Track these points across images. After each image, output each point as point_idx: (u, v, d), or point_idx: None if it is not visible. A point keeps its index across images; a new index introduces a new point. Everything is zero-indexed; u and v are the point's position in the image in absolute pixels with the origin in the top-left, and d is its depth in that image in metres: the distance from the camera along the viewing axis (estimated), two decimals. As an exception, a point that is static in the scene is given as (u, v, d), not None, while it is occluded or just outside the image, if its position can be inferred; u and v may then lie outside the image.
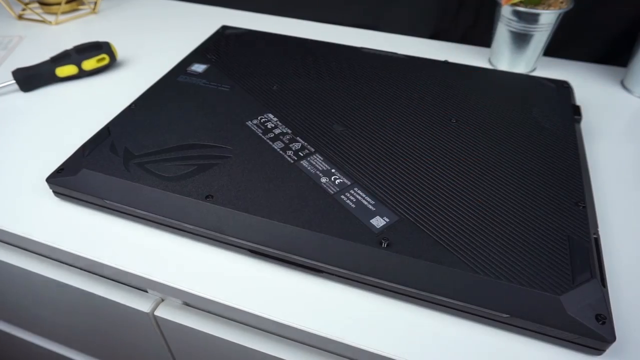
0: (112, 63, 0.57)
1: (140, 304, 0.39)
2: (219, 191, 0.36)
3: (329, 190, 0.36)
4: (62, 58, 0.54)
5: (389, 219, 0.34)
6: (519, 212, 0.35)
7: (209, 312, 0.38)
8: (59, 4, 0.69)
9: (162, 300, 0.40)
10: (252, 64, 0.52)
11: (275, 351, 0.36)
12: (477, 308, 0.29)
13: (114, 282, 0.41)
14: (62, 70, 0.53)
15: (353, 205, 0.35)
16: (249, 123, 0.43)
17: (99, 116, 0.50)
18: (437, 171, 0.38)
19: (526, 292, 0.29)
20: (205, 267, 0.34)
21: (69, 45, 0.62)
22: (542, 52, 0.56)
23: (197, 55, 0.54)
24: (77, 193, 0.37)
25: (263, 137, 0.41)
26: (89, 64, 0.54)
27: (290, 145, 0.40)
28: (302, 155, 0.39)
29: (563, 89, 0.48)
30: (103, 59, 0.55)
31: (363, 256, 0.32)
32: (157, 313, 0.39)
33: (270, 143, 0.40)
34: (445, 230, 0.33)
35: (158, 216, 0.35)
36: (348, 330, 0.30)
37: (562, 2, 0.53)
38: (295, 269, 0.34)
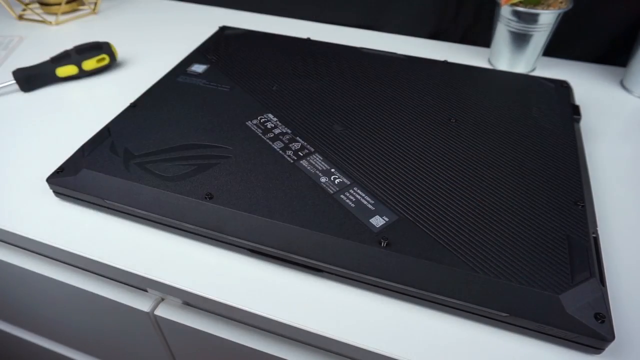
0: (112, 63, 0.57)
1: (140, 303, 0.40)
2: (219, 191, 0.36)
3: (329, 189, 0.36)
4: (62, 58, 0.54)
5: (388, 218, 0.34)
6: (518, 211, 0.35)
7: (208, 311, 0.38)
8: (59, 4, 0.69)
9: (162, 299, 0.40)
10: (252, 64, 0.52)
11: (274, 350, 0.36)
12: (476, 307, 0.29)
13: (114, 281, 0.41)
14: (63, 71, 0.53)
15: (352, 205, 0.35)
16: (248, 123, 0.43)
17: (99, 116, 0.50)
18: (436, 171, 0.38)
19: (525, 291, 0.29)
20: (205, 267, 0.34)
21: (69, 46, 0.62)
22: (541, 52, 0.56)
23: (197, 55, 0.54)
24: (77, 193, 0.37)
25: (263, 137, 0.41)
26: (89, 64, 0.54)
27: (290, 145, 0.40)
28: (301, 155, 0.39)
29: (562, 88, 0.49)
30: (103, 59, 0.55)
31: (362, 255, 0.32)
32: (157, 312, 0.39)
33: (270, 143, 0.41)
34: (444, 229, 0.33)
35: (158, 216, 0.35)
36: (347, 329, 0.30)
37: (561, 2, 0.53)
38: (294, 268, 0.34)
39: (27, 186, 0.41)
